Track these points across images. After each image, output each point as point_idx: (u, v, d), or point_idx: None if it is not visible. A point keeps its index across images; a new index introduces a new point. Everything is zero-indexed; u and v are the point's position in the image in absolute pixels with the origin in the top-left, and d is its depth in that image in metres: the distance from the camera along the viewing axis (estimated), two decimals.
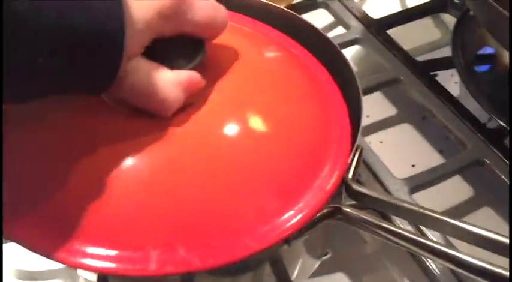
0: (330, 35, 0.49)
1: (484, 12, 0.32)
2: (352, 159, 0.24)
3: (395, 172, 0.36)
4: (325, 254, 0.36)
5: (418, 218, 0.23)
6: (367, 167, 0.35)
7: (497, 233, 0.21)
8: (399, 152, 0.41)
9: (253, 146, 0.22)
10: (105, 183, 0.20)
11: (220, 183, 0.21)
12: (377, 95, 0.45)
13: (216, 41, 0.26)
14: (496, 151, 0.35)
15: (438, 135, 0.41)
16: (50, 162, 0.21)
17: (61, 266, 0.32)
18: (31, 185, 0.21)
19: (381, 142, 0.42)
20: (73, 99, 0.22)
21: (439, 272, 0.30)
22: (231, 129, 0.22)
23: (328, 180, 0.22)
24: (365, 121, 0.44)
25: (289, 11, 0.30)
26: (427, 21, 0.51)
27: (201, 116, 0.23)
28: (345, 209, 0.23)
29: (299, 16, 0.30)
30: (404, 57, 0.41)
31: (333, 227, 0.36)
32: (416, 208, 0.22)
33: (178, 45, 0.23)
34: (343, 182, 0.23)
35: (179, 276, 0.20)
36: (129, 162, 0.21)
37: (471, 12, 0.42)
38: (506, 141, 0.36)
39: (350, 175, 0.24)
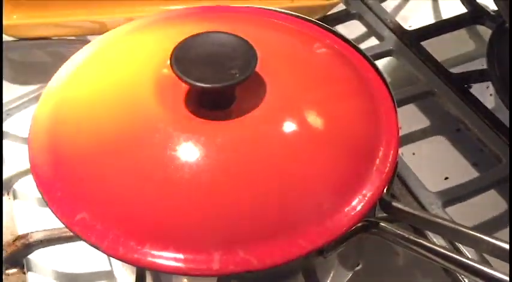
0: (363, 46, 0.50)
1: None
2: (393, 174, 0.24)
3: (428, 184, 0.36)
4: (357, 265, 0.37)
5: (451, 234, 0.23)
6: (400, 180, 0.35)
7: None
8: (432, 164, 0.41)
9: (304, 149, 0.23)
10: (168, 185, 0.22)
11: (274, 185, 0.22)
12: (410, 107, 0.45)
13: (265, 38, 0.27)
14: None
15: (472, 148, 0.41)
16: (112, 162, 0.23)
17: (99, 268, 0.34)
18: (96, 185, 0.22)
19: (414, 154, 0.42)
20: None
21: None
22: (284, 130, 0.23)
23: (367, 195, 0.22)
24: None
25: (322, 23, 0.31)
26: (462, 33, 0.51)
27: (255, 117, 0.24)
28: (381, 224, 0.23)
29: (331, 28, 0.30)
30: (438, 69, 0.41)
31: (366, 239, 0.36)
32: (449, 223, 0.23)
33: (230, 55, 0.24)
34: (381, 198, 0.23)
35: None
36: (190, 164, 0.22)
37: (507, 25, 0.42)
38: None
39: (385, 189, 0.24)
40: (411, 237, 0.22)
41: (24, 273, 0.33)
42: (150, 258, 0.20)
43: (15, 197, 0.37)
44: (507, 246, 0.21)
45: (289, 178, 0.22)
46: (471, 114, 0.38)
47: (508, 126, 0.38)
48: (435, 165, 0.41)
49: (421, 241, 0.22)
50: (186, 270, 0.20)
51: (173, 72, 0.23)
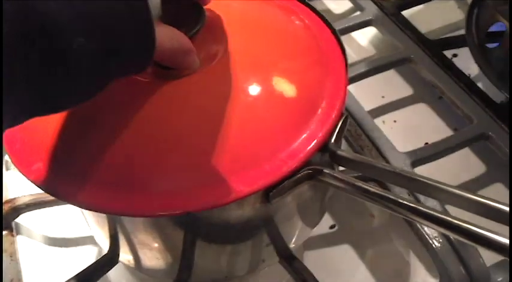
0: (346, 17, 0.50)
1: None
2: (336, 126, 0.25)
3: (406, 149, 0.36)
4: (332, 227, 0.37)
5: (401, 180, 0.24)
6: (372, 142, 0.35)
7: (494, 200, 0.20)
8: (413, 131, 0.42)
9: (249, 99, 0.24)
10: (125, 132, 0.23)
11: (216, 133, 0.23)
12: (393, 76, 0.45)
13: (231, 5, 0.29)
14: (503, 125, 0.35)
15: (454, 114, 0.41)
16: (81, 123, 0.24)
17: (84, 233, 0.36)
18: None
19: (395, 121, 0.43)
20: None
21: (439, 246, 0.30)
22: (238, 82, 0.25)
23: (310, 142, 0.23)
24: (380, 101, 0.45)
25: None
26: (448, 3, 0.51)
27: (217, 73, 0.25)
28: (326, 171, 0.24)
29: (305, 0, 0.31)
30: (417, 36, 0.42)
31: (337, 200, 0.37)
32: (395, 169, 0.23)
33: (180, 13, 0.25)
34: (326, 146, 0.24)
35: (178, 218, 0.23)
36: (143, 112, 0.24)
37: None
38: None
39: (333, 140, 0.25)
40: (352, 181, 0.23)
41: (13, 235, 0.35)
42: (96, 201, 0.22)
43: (7, 168, 0.40)
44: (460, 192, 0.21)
45: (231, 125, 0.23)
46: (448, 80, 0.38)
47: (483, 90, 0.38)
48: (416, 131, 0.42)
49: (364, 186, 0.23)
50: (120, 209, 0.22)
51: None
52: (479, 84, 0.40)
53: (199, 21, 0.25)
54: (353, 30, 0.45)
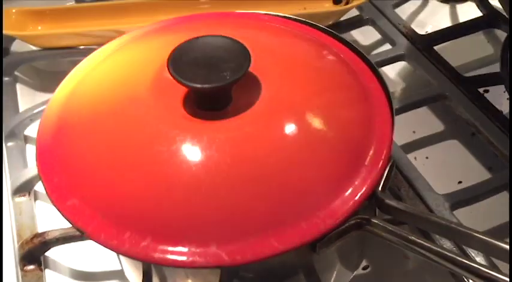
0: (377, 51, 0.50)
1: None
2: (383, 172, 0.24)
3: (440, 189, 0.35)
4: (366, 268, 0.37)
5: (451, 233, 0.23)
6: (408, 182, 0.35)
7: None
8: (446, 168, 0.41)
9: (293, 148, 0.24)
10: (153, 177, 0.23)
11: (256, 184, 0.22)
12: (424, 112, 0.45)
13: (265, 42, 0.28)
14: None
15: (487, 152, 0.40)
16: (111, 158, 0.24)
17: (112, 267, 0.35)
18: (94, 178, 0.24)
19: (427, 158, 0.42)
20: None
21: None
22: (276, 130, 0.24)
23: (358, 192, 0.23)
24: (411, 137, 0.44)
25: (329, 29, 0.31)
26: (479, 37, 0.51)
27: (248, 116, 0.24)
28: (374, 221, 0.23)
29: (337, 34, 0.31)
30: (450, 72, 0.41)
31: (371, 240, 0.36)
32: (443, 221, 0.23)
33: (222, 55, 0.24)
34: (374, 195, 0.24)
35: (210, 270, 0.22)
36: (180, 161, 0.23)
37: None
38: None
39: (380, 187, 0.24)
40: (403, 234, 0.22)
41: (41, 270, 0.34)
42: (127, 247, 0.21)
43: (36, 198, 0.39)
44: (505, 246, 0.21)
45: (277, 177, 0.22)
46: (482, 117, 0.38)
47: None
48: (449, 169, 0.41)
49: (417, 240, 0.22)
50: (158, 259, 0.21)
51: (169, 73, 0.24)
52: None
53: (244, 64, 0.24)
54: (383, 65, 0.45)
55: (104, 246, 0.22)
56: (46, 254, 0.35)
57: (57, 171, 0.24)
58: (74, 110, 0.27)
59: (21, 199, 0.38)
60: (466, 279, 0.31)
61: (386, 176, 0.25)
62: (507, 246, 0.21)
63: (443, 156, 0.42)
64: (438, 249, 0.22)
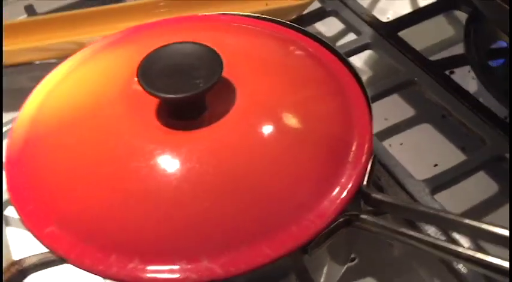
0: (342, 41, 0.50)
1: (487, 8, 0.32)
2: (367, 168, 0.24)
3: (418, 173, 0.36)
4: (353, 260, 0.37)
5: (432, 219, 0.23)
6: (387, 171, 0.35)
7: None
8: (420, 153, 0.41)
9: (274, 151, 0.23)
10: (134, 196, 0.22)
11: (241, 192, 0.22)
12: (394, 98, 0.45)
13: (234, 44, 0.28)
14: None
15: (459, 133, 0.41)
16: (84, 176, 0.23)
17: None
18: (67, 199, 0.23)
19: (401, 144, 0.42)
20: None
21: (466, 272, 0.30)
22: (255, 135, 0.24)
23: (344, 189, 0.22)
24: (384, 124, 0.44)
25: (295, 24, 0.31)
26: (441, 20, 0.51)
27: (225, 123, 0.24)
28: (363, 216, 0.23)
29: (304, 29, 0.31)
30: (417, 57, 0.41)
31: (357, 234, 0.36)
32: (429, 210, 0.23)
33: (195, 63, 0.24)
34: (360, 190, 0.24)
35: None
36: (157, 174, 0.22)
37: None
38: None
39: (365, 182, 0.24)
40: (395, 227, 0.22)
41: None
42: (115, 270, 0.20)
43: (7, 224, 0.38)
44: (502, 231, 0.21)
45: (259, 183, 0.22)
46: (452, 100, 0.38)
47: (490, 108, 0.38)
48: (423, 153, 0.41)
49: (406, 231, 0.22)
50: (148, 280, 0.20)
51: (139, 84, 0.23)
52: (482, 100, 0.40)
53: (216, 71, 0.24)
54: (349, 56, 0.44)
55: (90, 272, 0.21)
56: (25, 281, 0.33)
57: (30, 197, 0.23)
58: (42, 127, 0.25)
59: None
60: (453, 263, 0.31)
61: (370, 170, 0.24)
62: (506, 232, 0.21)
63: (417, 140, 0.43)
64: (429, 239, 0.22)
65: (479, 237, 0.23)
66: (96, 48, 0.30)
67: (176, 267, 0.20)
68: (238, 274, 0.20)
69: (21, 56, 0.45)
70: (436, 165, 0.40)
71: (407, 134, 0.43)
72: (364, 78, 0.47)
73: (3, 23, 0.46)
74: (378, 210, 0.24)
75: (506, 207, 0.36)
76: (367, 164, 0.24)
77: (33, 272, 0.33)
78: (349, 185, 0.23)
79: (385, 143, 0.42)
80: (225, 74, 0.24)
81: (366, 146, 0.24)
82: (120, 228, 0.21)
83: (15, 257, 0.34)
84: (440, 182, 0.34)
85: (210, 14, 0.32)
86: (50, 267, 0.33)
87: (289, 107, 0.25)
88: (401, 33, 0.45)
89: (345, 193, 0.22)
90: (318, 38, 0.30)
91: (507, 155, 0.34)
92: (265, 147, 0.23)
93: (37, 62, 0.46)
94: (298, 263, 0.25)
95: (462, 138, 0.41)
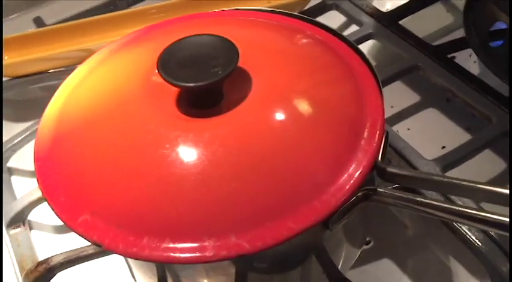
0: (345, 33, 0.51)
1: None
2: (380, 144, 0.25)
3: (426, 156, 0.37)
4: (368, 243, 0.37)
5: (447, 188, 0.24)
6: (398, 153, 0.36)
7: None
8: (427, 136, 0.42)
9: (293, 134, 0.24)
10: (162, 181, 0.23)
11: (263, 172, 0.23)
12: (398, 85, 0.46)
13: (248, 35, 0.29)
14: None
15: (464, 114, 0.42)
16: (110, 165, 0.24)
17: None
18: (96, 187, 0.24)
19: (409, 129, 0.43)
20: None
21: (480, 243, 0.30)
22: (273, 119, 0.25)
23: (361, 164, 0.23)
24: (390, 111, 0.45)
25: (303, 15, 0.32)
26: (438, 7, 0.52)
27: (242, 110, 0.25)
28: (380, 190, 0.24)
29: (312, 19, 0.32)
30: (419, 43, 0.42)
31: (373, 215, 0.37)
32: (443, 178, 0.23)
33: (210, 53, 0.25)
34: (375, 165, 0.24)
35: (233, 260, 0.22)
36: (182, 159, 0.23)
37: None
38: None
39: (379, 158, 0.25)
40: (409, 196, 0.23)
41: None
42: (148, 251, 0.21)
43: (31, 227, 0.39)
44: (505, 191, 0.22)
45: (280, 162, 0.23)
46: (457, 82, 0.39)
47: (494, 88, 0.39)
48: (431, 136, 0.42)
49: (418, 199, 0.23)
50: (181, 259, 0.21)
51: (159, 75, 0.24)
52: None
53: (232, 59, 0.25)
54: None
55: (124, 255, 0.22)
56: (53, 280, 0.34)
57: (61, 190, 0.24)
58: (68, 125, 0.27)
59: (17, 230, 0.37)
60: (468, 237, 0.32)
61: (383, 146, 0.25)
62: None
63: (423, 125, 0.44)
64: (442, 204, 0.23)
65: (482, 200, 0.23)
66: (113, 49, 0.31)
67: (206, 244, 0.21)
68: (265, 248, 0.21)
69: (31, 66, 0.46)
70: (443, 147, 0.41)
71: (413, 119, 0.44)
72: None
73: (12, 36, 0.47)
74: (393, 184, 0.24)
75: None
76: (381, 141, 0.25)
77: (60, 270, 0.34)
78: (365, 161, 0.24)
79: (393, 129, 0.43)
80: (240, 63, 0.26)
81: (379, 123, 0.25)
82: (150, 212, 0.22)
83: (41, 258, 0.35)
84: (449, 161, 0.35)
85: (215, 11, 0.33)
86: (76, 264, 0.34)
87: (304, 91, 0.26)
88: (402, 22, 0.47)
89: (361, 168, 0.23)
90: (327, 27, 0.31)
91: None
92: (283, 129, 0.24)
93: (48, 72, 0.47)
94: (319, 242, 0.25)
95: (467, 120, 0.42)
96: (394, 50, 0.44)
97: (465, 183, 0.23)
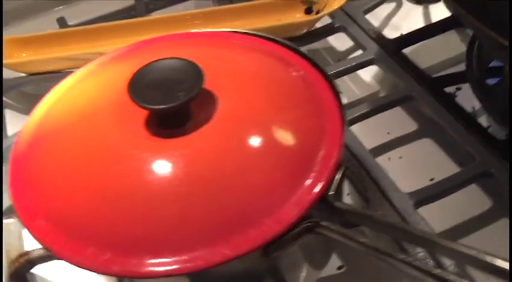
0: (352, 56, 0.51)
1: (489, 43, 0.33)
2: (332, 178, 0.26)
3: (412, 187, 0.37)
4: (340, 268, 0.38)
5: (399, 234, 0.24)
6: (375, 183, 0.36)
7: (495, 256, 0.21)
8: (418, 166, 0.42)
9: (244, 161, 0.25)
10: (112, 194, 0.25)
11: (209, 196, 0.24)
12: (399, 112, 0.46)
13: (222, 59, 0.30)
14: (505, 162, 0.35)
15: (457, 148, 0.41)
16: (79, 183, 0.26)
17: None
18: (62, 201, 0.26)
19: (401, 157, 0.43)
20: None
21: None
22: (229, 143, 0.26)
23: (306, 197, 0.24)
24: (386, 137, 0.45)
25: (287, 42, 0.33)
26: (450, 37, 0.52)
27: (205, 131, 0.26)
28: (323, 224, 0.25)
29: (296, 47, 0.32)
30: (417, 73, 0.42)
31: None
32: (390, 221, 0.24)
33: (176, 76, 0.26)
34: (324, 199, 0.25)
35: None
36: (139, 177, 0.25)
37: None
38: None
39: (332, 192, 0.26)
40: (352, 235, 0.24)
41: None
42: (89, 262, 0.23)
43: None
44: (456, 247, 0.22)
45: (228, 187, 0.24)
46: (447, 116, 0.39)
47: (483, 126, 0.38)
48: (421, 167, 0.42)
49: (364, 241, 0.24)
50: (117, 271, 0.23)
51: (129, 97, 0.25)
52: (483, 118, 0.41)
53: (197, 84, 0.26)
54: (356, 70, 0.46)
55: (70, 263, 0.23)
56: (33, 271, 0.36)
57: (27, 193, 0.26)
58: (45, 132, 0.29)
59: (10, 221, 0.40)
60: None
61: (339, 181, 0.26)
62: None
63: (417, 155, 0.43)
64: (386, 251, 0.23)
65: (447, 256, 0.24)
66: (103, 61, 0.33)
67: (141, 261, 0.23)
68: (195, 271, 0.22)
69: (49, 65, 0.49)
70: (432, 179, 0.41)
71: (407, 148, 0.44)
72: (369, 91, 0.49)
73: (32, 35, 0.50)
74: (339, 218, 0.25)
75: (490, 225, 0.36)
76: (332, 175, 0.25)
77: (39, 263, 0.36)
78: (312, 194, 0.24)
79: (385, 156, 0.43)
80: (211, 86, 0.27)
81: (334, 158, 0.26)
82: (99, 224, 0.24)
83: (28, 249, 0.38)
84: (425, 195, 0.35)
85: (208, 30, 0.34)
86: (55, 259, 0.36)
87: (265, 118, 0.27)
88: (408, 50, 0.47)
89: (305, 201, 0.24)
90: (306, 56, 0.32)
91: (494, 171, 0.35)
92: (237, 155, 0.25)
93: (66, 71, 0.50)
94: (265, 264, 0.26)
95: (461, 154, 0.41)
96: (392, 77, 0.44)
97: (409, 229, 0.23)
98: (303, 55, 0.32)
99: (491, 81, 0.39)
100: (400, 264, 0.22)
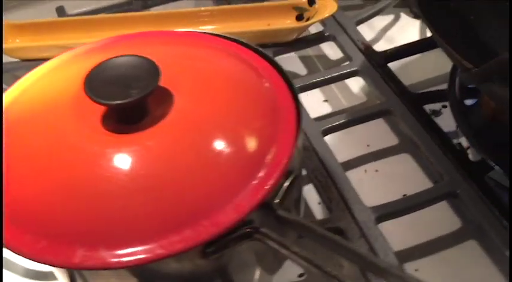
0: (341, 65, 0.51)
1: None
2: (283, 185, 0.26)
3: (382, 201, 0.37)
4: (301, 276, 0.38)
5: (337, 249, 0.25)
6: (340, 195, 0.36)
7: None
8: (392, 181, 0.42)
9: (193, 160, 0.26)
10: (65, 188, 0.25)
11: (154, 192, 0.25)
12: (381, 125, 0.46)
13: (187, 58, 0.30)
14: (473, 184, 0.35)
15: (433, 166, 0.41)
16: (36, 178, 0.26)
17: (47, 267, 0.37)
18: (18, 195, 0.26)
19: (377, 171, 0.43)
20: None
21: None
22: (180, 141, 0.26)
23: (246, 202, 0.24)
24: (365, 150, 0.45)
25: (249, 44, 0.33)
26: (437, 54, 0.51)
27: (160, 127, 0.27)
28: (262, 230, 0.25)
29: (256, 47, 0.33)
30: (399, 89, 0.42)
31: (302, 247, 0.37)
32: (328, 234, 0.24)
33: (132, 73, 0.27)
34: (267, 206, 0.25)
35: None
36: (94, 172, 0.26)
37: None
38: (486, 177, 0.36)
39: (277, 200, 0.26)
40: (287, 244, 0.24)
41: None
42: (25, 249, 0.24)
43: None
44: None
45: (171, 186, 0.24)
46: (423, 134, 0.39)
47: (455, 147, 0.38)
48: (396, 182, 0.42)
49: (297, 250, 0.24)
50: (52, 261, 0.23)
51: (84, 92, 0.26)
52: (464, 138, 0.41)
53: (153, 81, 0.26)
54: (341, 79, 0.46)
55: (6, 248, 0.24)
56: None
57: None
58: (9, 121, 0.29)
59: None
60: None
61: (286, 189, 0.26)
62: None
63: (394, 169, 0.43)
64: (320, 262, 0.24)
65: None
66: (75, 54, 0.33)
67: (76, 252, 0.23)
68: (129, 266, 0.23)
69: (42, 52, 0.50)
70: (404, 195, 0.40)
71: (384, 162, 0.44)
72: (355, 102, 0.49)
73: (27, 21, 0.51)
74: (281, 226, 0.25)
75: (454, 247, 0.36)
76: (279, 182, 0.26)
77: None
78: (252, 199, 0.25)
79: (361, 168, 0.43)
80: (170, 85, 0.28)
81: (282, 165, 0.26)
82: (42, 213, 0.24)
83: None
84: (387, 211, 0.35)
85: (177, 31, 0.35)
86: None
87: (219, 120, 0.27)
88: (395, 64, 0.46)
89: (246, 206, 0.24)
90: (275, 63, 0.32)
91: (459, 192, 0.35)
92: (185, 155, 0.26)
93: None
94: (208, 266, 0.27)
95: (437, 173, 0.41)
96: (374, 90, 0.44)
97: (343, 243, 0.23)
98: (272, 62, 0.32)
99: (469, 102, 0.39)
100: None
